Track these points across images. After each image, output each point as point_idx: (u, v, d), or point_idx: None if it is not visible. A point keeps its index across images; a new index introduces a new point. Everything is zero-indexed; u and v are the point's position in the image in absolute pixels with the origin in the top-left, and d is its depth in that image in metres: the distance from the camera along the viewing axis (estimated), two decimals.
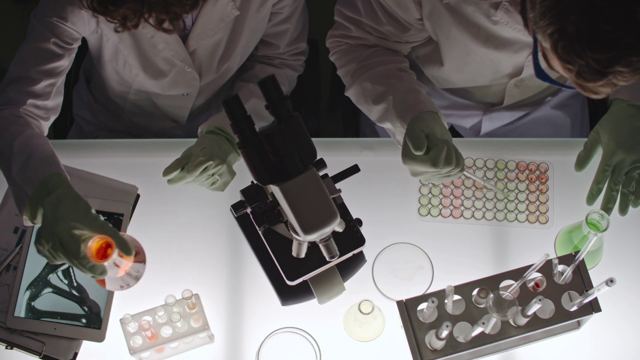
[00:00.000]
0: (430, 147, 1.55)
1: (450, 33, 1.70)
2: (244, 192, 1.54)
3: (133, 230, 1.78)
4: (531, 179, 1.83)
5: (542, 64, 1.41)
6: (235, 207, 1.55)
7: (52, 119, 1.74)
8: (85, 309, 1.71)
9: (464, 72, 1.83)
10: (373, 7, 1.72)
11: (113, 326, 1.70)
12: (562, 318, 1.55)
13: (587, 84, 1.32)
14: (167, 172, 1.69)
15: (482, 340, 1.54)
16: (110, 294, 1.72)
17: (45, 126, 1.73)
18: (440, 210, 1.80)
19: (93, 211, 1.51)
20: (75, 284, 1.73)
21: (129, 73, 1.86)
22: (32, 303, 1.71)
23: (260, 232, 1.57)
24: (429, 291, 1.67)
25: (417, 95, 1.66)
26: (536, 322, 1.55)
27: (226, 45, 1.83)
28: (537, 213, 1.80)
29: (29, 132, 1.65)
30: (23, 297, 1.71)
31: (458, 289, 1.56)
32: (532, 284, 1.57)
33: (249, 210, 1.55)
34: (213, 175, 1.71)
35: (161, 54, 1.80)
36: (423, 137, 1.55)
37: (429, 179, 1.62)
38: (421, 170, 1.58)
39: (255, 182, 1.44)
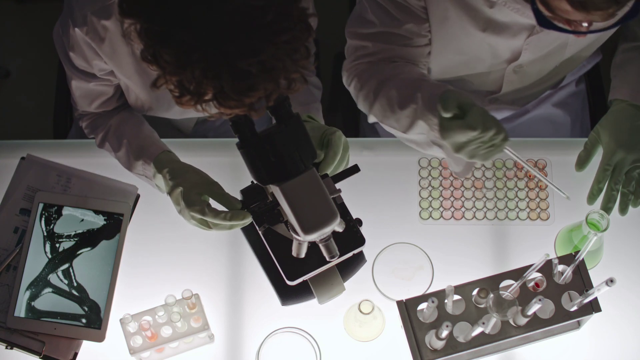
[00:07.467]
0: (466, 110, 1.48)
1: (447, 13, 1.68)
2: (244, 192, 1.54)
3: (133, 230, 1.78)
4: (529, 175, 1.83)
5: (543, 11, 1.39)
6: None
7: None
8: (85, 309, 1.71)
9: (464, 54, 1.80)
10: (386, 10, 1.68)
11: (113, 326, 1.70)
12: (562, 318, 1.55)
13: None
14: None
15: (482, 340, 1.54)
16: (110, 294, 1.72)
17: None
18: (442, 212, 1.80)
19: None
20: (75, 284, 1.73)
21: (141, 108, 1.85)
22: (32, 303, 1.70)
23: (260, 232, 1.57)
24: (429, 291, 1.67)
25: (446, 87, 1.60)
26: (536, 322, 1.55)
27: None
28: (538, 210, 1.80)
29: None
30: (23, 297, 1.71)
31: (458, 289, 1.56)
32: (532, 284, 1.57)
33: None
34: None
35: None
36: (453, 99, 1.49)
37: (474, 153, 1.50)
38: (463, 140, 1.48)
39: (255, 182, 1.44)
